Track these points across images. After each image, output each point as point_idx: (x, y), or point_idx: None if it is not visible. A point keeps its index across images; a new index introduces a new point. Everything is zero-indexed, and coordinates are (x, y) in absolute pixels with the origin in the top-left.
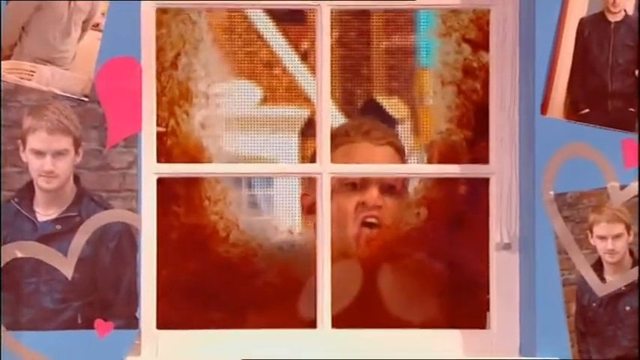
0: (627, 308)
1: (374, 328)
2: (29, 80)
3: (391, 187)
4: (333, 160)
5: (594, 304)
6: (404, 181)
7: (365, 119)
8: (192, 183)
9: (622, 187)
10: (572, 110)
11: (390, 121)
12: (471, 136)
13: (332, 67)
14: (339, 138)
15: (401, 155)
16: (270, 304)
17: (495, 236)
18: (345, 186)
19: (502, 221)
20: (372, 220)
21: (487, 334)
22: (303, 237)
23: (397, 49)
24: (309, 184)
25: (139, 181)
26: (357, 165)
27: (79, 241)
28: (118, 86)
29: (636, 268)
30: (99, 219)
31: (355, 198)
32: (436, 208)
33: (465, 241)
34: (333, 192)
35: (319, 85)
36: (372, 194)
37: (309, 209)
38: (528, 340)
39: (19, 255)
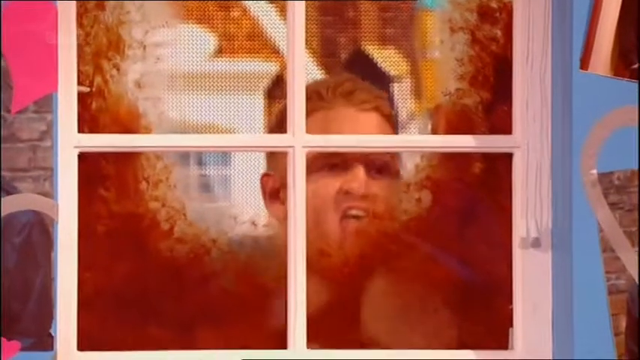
0: None
1: (361, 349)
2: None
3: (381, 167)
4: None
5: (639, 315)
6: (397, 159)
7: (344, 76)
8: (125, 159)
9: None
10: (622, 64)
11: (382, 79)
12: (489, 98)
13: (307, 7)
14: (310, 102)
15: (391, 125)
16: (228, 318)
17: (520, 229)
18: (322, 166)
19: (529, 210)
20: (358, 212)
21: (510, 356)
22: (270, 230)
23: None
24: (271, 160)
25: (54, 157)
26: (340, 136)
27: None
28: (27, 32)
29: None
30: (1, 207)
31: (335, 182)
32: (443, 192)
33: (480, 236)
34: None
35: (291, 31)
36: (357, 177)
37: (272, 194)
38: None
39: None
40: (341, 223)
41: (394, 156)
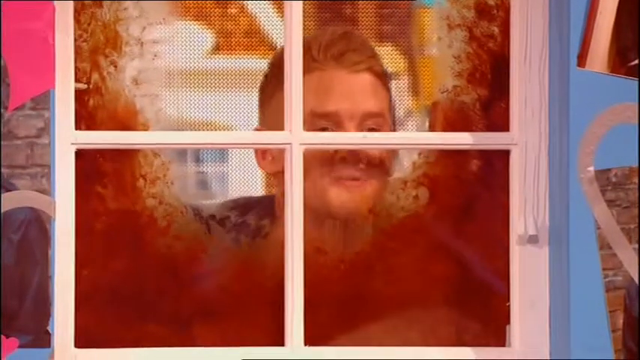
0: None
1: (359, 346)
2: None
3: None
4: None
5: (638, 311)
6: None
7: (335, 33)
8: (122, 156)
9: None
10: (619, 61)
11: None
12: (486, 95)
13: (304, 4)
14: (302, 62)
15: (383, 83)
16: (225, 315)
17: (518, 226)
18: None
19: (526, 207)
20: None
21: (507, 354)
22: (267, 227)
23: None
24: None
25: (51, 154)
26: (338, 134)
27: None
28: (24, 29)
29: None
30: None
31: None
32: (440, 189)
33: (477, 233)
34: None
35: (288, 28)
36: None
37: (264, 151)
38: None
39: None
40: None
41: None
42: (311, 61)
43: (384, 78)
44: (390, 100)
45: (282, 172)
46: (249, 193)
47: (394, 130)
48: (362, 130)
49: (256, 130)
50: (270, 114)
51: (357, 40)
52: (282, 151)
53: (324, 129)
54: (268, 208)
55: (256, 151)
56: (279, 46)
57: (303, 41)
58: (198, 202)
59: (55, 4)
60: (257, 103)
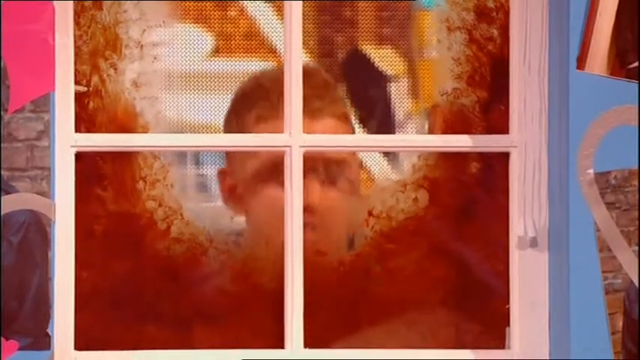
0: None
1: (358, 349)
2: None
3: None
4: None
5: (638, 312)
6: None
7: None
8: (122, 159)
9: None
10: (619, 64)
11: (379, 79)
12: (486, 97)
13: (304, 7)
14: (259, 105)
15: (347, 125)
16: (225, 317)
17: (517, 229)
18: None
19: (526, 209)
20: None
21: (507, 356)
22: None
23: None
24: (230, 157)
25: (51, 157)
26: (338, 136)
27: None
28: (24, 32)
29: None
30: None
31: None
32: (440, 191)
33: (477, 235)
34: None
35: (288, 30)
36: (313, 191)
37: (230, 190)
38: None
39: None
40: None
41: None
42: (270, 108)
43: (346, 120)
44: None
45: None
46: None
47: (359, 173)
48: (327, 174)
49: (220, 170)
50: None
51: (316, 84)
52: (249, 191)
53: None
54: None
55: (222, 189)
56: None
57: (262, 80)
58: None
59: (54, 5)
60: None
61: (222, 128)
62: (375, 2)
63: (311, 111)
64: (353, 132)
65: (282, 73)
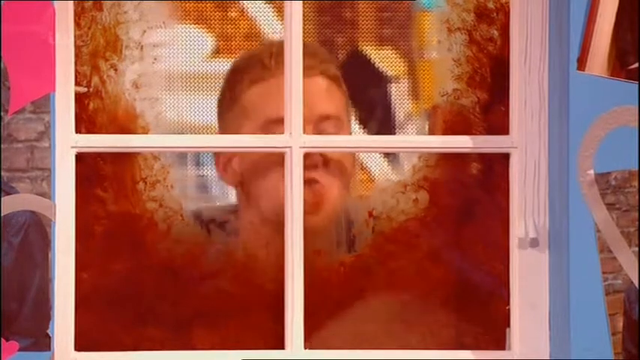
0: None
1: (358, 350)
2: None
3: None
4: (248, 104)
5: (638, 314)
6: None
7: (282, 42)
8: (122, 160)
9: None
10: (619, 65)
11: (379, 79)
12: (486, 98)
13: (304, 8)
14: (254, 70)
15: (338, 85)
16: (225, 318)
17: (517, 229)
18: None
19: (526, 210)
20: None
21: (507, 357)
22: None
23: None
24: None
25: (52, 158)
26: (337, 137)
27: None
28: (24, 32)
29: None
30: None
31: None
32: (440, 192)
33: (477, 236)
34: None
35: (288, 31)
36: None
37: (225, 164)
38: None
39: None
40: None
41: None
42: (262, 69)
43: (337, 81)
44: (346, 103)
45: (242, 184)
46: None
47: (350, 133)
48: (318, 133)
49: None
50: (230, 124)
51: (309, 45)
52: (243, 162)
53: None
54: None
55: (217, 163)
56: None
57: (254, 51)
58: (197, 205)
59: (55, 6)
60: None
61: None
62: (376, 3)
63: (302, 69)
64: (345, 96)
65: (275, 43)
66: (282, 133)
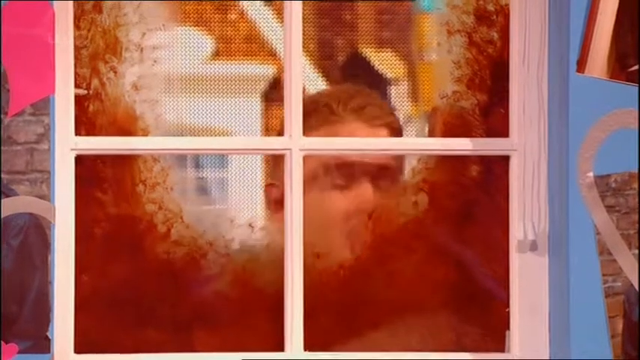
0: None
1: (358, 352)
2: None
3: (385, 170)
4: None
5: (639, 317)
6: (399, 160)
7: (354, 88)
8: (122, 162)
9: None
10: (618, 67)
11: (379, 82)
12: (486, 101)
13: (304, 10)
14: (319, 113)
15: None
16: (224, 321)
17: (517, 232)
18: (330, 185)
19: (526, 212)
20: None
21: (507, 359)
22: (267, 233)
23: None
24: (275, 167)
25: (51, 160)
26: (337, 139)
27: None
28: (24, 35)
29: None
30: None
31: (343, 201)
32: (440, 195)
33: (477, 239)
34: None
35: (288, 34)
36: (366, 193)
37: (277, 203)
38: None
39: None
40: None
41: (392, 159)
42: (330, 115)
43: (400, 134)
44: (402, 158)
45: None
46: (249, 199)
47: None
48: (375, 178)
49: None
50: None
51: (375, 96)
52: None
53: (338, 186)
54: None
55: (268, 202)
56: (279, 52)
57: (322, 95)
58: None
59: (54, 8)
60: (260, 109)
61: (221, 131)
62: (375, 6)
63: (367, 119)
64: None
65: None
66: (342, 176)
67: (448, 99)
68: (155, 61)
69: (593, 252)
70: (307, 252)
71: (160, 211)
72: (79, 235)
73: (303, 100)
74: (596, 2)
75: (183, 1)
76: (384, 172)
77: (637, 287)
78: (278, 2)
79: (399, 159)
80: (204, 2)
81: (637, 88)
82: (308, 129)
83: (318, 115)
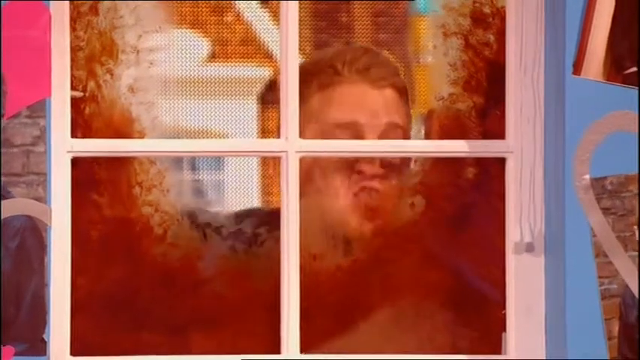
0: None
1: (354, 354)
2: None
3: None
4: (315, 107)
5: (638, 321)
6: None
7: (360, 49)
8: (118, 164)
9: None
10: (615, 69)
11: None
12: (482, 103)
13: (300, 12)
14: (323, 75)
15: (405, 99)
16: (221, 323)
17: (513, 234)
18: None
19: (522, 214)
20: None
21: None
22: (263, 235)
23: None
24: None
25: (47, 162)
26: (334, 141)
27: None
28: (20, 37)
29: None
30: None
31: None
32: (436, 197)
33: (473, 241)
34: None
35: (284, 36)
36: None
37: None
38: None
39: None
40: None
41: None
42: (334, 75)
43: (405, 95)
44: (410, 116)
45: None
46: (245, 201)
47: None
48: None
49: None
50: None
51: (381, 56)
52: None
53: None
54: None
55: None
56: (275, 54)
57: (325, 56)
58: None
59: (51, 10)
60: (256, 111)
61: (217, 133)
62: (372, 8)
63: (372, 80)
64: (409, 109)
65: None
66: (347, 138)
67: (444, 101)
68: (151, 64)
69: (589, 254)
70: (303, 253)
71: (157, 213)
72: (75, 237)
73: (309, 60)
74: (592, 4)
75: (179, 1)
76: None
77: (633, 290)
78: (274, 4)
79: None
80: (200, 5)
81: (633, 90)
82: (316, 88)
83: (324, 75)
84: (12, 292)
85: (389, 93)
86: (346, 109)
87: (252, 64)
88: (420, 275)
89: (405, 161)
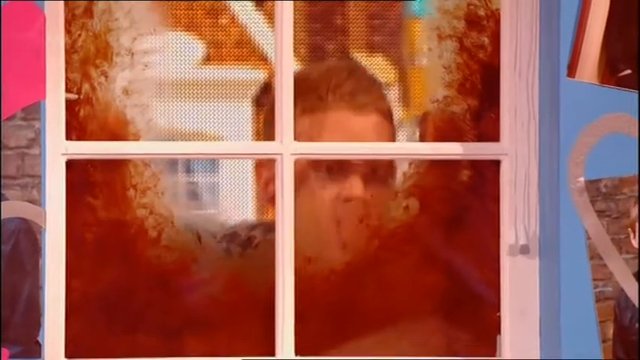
0: None
1: (349, 357)
2: None
3: (375, 172)
4: (298, 134)
5: (638, 325)
6: (391, 164)
7: (343, 74)
8: (113, 167)
9: None
10: (609, 71)
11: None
12: (477, 105)
13: (295, 14)
14: (308, 101)
15: (390, 119)
16: (216, 326)
17: (508, 236)
18: (318, 170)
19: (517, 217)
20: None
21: None
22: (258, 237)
23: None
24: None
25: (42, 165)
26: (328, 144)
27: None
28: (15, 40)
29: None
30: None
31: (332, 188)
32: (430, 199)
33: (468, 243)
34: (300, 177)
35: (279, 38)
36: (354, 185)
37: (267, 182)
38: None
39: None
40: (338, 228)
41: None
42: (317, 101)
43: (389, 116)
44: (395, 136)
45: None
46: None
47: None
48: (368, 172)
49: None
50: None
51: (366, 76)
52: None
53: (329, 168)
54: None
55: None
56: (269, 57)
57: (310, 77)
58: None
59: (45, 13)
60: (251, 113)
61: (212, 135)
62: (366, 10)
63: (357, 106)
64: (394, 128)
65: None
66: (332, 167)
67: (439, 104)
68: (146, 66)
69: (583, 256)
70: (298, 256)
71: (151, 215)
72: (69, 239)
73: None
74: (587, 7)
75: (174, 1)
76: (375, 176)
77: (628, 292)
78: (269, 6)
79: (391, 163)
80: (195, 7)
81: (627, 92)
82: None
83: (308, 101)
84: (7, 294)
85: (373, 118)
86: (330, 136)
87: (247, 67)
88: (415, 278)
89: (391, 170)
